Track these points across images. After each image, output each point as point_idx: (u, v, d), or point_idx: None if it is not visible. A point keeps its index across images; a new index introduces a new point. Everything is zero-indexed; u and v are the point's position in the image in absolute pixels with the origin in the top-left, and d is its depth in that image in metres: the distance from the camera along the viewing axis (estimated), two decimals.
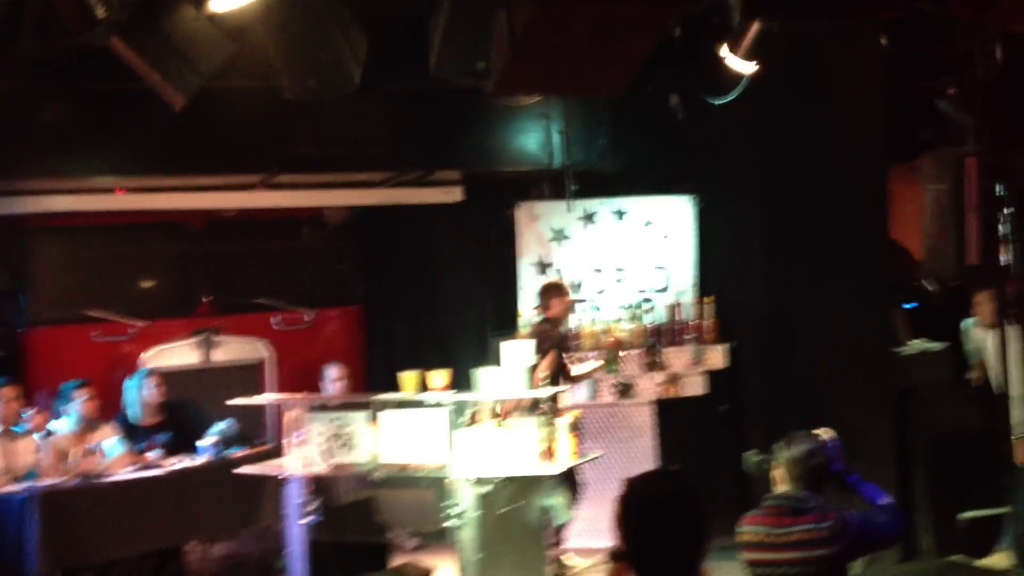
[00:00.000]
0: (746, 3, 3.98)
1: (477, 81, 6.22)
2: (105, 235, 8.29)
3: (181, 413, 7.50)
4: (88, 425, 6.97)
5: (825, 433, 4.01)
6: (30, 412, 6.67)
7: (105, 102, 7.24)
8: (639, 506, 2.83)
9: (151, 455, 6.99)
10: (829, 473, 3.95)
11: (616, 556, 2.98)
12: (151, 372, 7.38)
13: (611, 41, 4.05)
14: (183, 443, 7.20)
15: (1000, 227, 5.32)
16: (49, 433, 6.79)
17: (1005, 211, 5.33)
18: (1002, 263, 5.37)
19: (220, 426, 7.10)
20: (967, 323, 6.76)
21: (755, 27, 6.27)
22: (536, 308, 7.51)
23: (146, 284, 8.67)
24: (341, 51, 6.17)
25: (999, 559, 6.38)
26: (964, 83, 6.04)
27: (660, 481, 2.95)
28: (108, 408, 7.34)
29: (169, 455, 7.03)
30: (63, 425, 6.93)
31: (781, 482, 3.93)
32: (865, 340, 6.89)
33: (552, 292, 7.38)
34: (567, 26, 3.91)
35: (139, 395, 7.26)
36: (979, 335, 6.58)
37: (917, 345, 7.17)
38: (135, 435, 7.19)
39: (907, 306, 8.00)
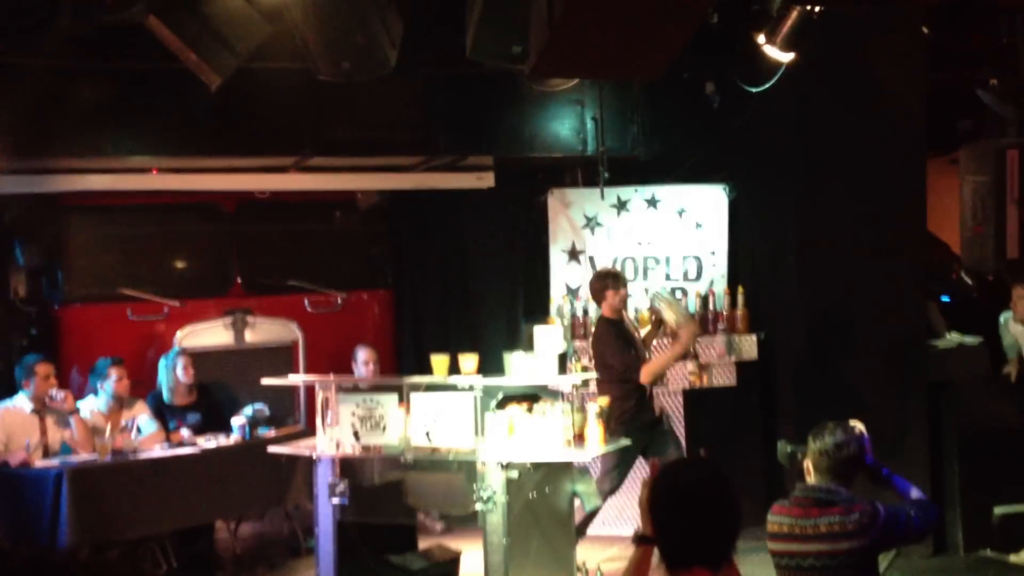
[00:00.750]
0: None
1: (513, 65, 6.21)
2: (140, 215, 8.36)
3: (212, 394, 7.57)
4: (121, 403, 7.05)
5: (857, 426, 3.97)
6: (61, 393, 6.72)
7: (141, 82, 7.27)
8: (670, 493, 2.83)
9: (183, 434, 7.05)
10: (861, 466, 3.92)
11: (641, 539, 2.98)
12: (183, 352, 7.44)
13: (651, 23, 4.00)
14: (214, 423, 7.26)
15: None
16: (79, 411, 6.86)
17: None
18: None
19: (249, 409, 7.15)
20: (1005, 317, 6.68)
21: (794, 15, 6.20)
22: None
23: (180, 264, 8.73)
24: (376, 33, 6.17)
25: None
26: (1006, 74, 5.94)
27: (692, 469, 2.95)
28: (142, 387, 7.41)
29: (200, 435, 7.09)
30: (96, 403, 7.01)
31: (811, 473, 3.90)
32: (900, 333, 6.82)
33: (607, 283, 6.98)
34: (607, 7, 3.88)
35: (171, 375, 7.32)
36: (1017, 329, 6.50)
37: (953, 339, 7.09)
38: (167, 414, 7.27)
39: (943, 299, 7.91)
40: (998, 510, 6.67)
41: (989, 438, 6.68)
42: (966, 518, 6.64)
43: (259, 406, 7.29)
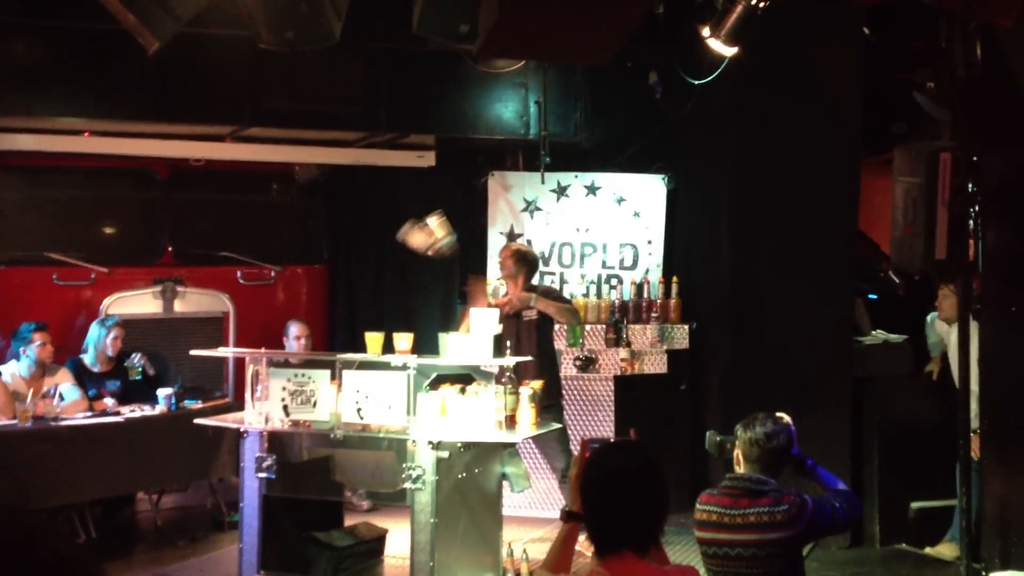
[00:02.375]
0: None
1: (459, 44, 6.18)
2: (69, 177, 8.18)
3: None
4: (44, 369, 6.90)
5: (784, 417, 4.04)
6: None
7: (76, 42, 7.11)
8: (601, 476, 2.85)
9: (107, 402, 6.93)
10: (788, 457, 3.98)
11: (569, 516, 3.01)
12: (120, 323, 7.29)
13: (602, 6, 4.01)
14: (140, 393, 7.14)
15: (970, 223, 5.37)
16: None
17: (975, 208, 5.37)
18: (969, 259, 5.42)
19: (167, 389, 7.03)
20: (932, 316, 6.83)
21: (739, 9, 6.25)
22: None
23: (109, 230, 8.57)
24: (321, 3, 6.08)
25: (944, 550, 6.50)
26: (943, 78, 6.06)
27: (623, 453, 2.96)
28: (66, 352, 7.27)
29: (122, 403, 6.98)
30: (19, 367, 6.85)
31: (740, 463, 3.96)
32: (827, 328, 6.95)
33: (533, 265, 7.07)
34: None
35: (98, 341, 7.18)
36: (942, 328, 6.65)
37: (878, 336, 7.24)
38: (87, 379, 7.13)
39: (870, 296, 8.07)
40: (915, 505, 6.85)
41: (909, 434, 6.84)
42: (883, 512, 6.80)
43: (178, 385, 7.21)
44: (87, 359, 7.21)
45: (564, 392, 7.30)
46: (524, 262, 6.87)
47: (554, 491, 7.16)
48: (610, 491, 2.81)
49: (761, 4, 6.01)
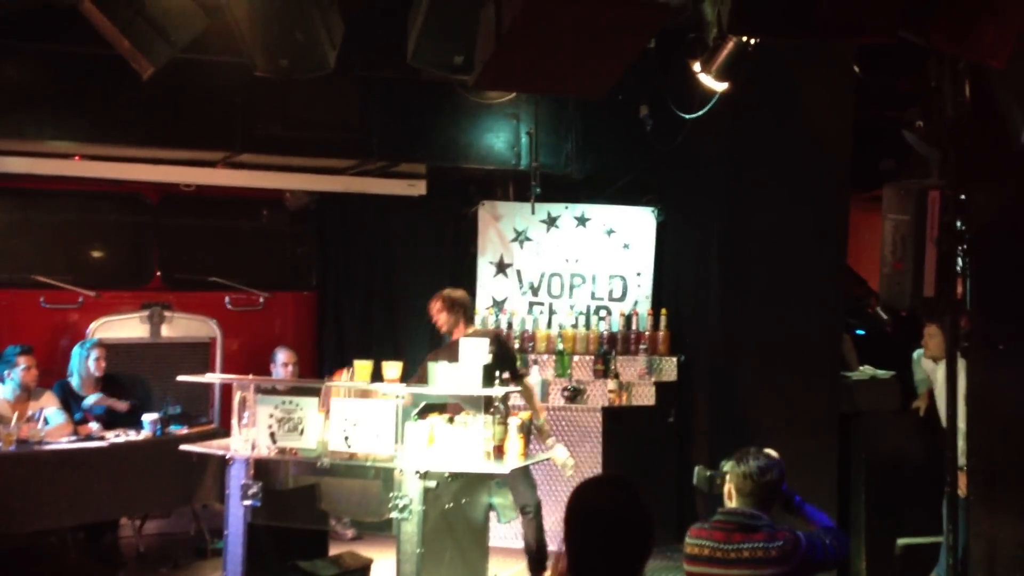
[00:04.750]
0: (730, 17, 3.98)
1: (453, 75, 6.20)
2: (59, 200, 8.17)
3: (122, 387, 7.39)
4: (28, 392, 6.86)
5: (773, 453, 4.04)
6: None
7: (69, 66, 7.11)
8: (586, 513, 2.80)
9: (92, 427, 6.88)
10: (778, 492, 3.98)
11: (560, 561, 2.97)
12: (99, 344, 7.26)
13: (598, 41, 4.04)
14: (124, 417, 7.10)
15: (958, 261, 5.39)
16: None
17: (963, 246, 5.40)
18: (957, 297, 5.45)
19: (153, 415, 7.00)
20: (918, 353, 6.86)
21: (730, 45, 6.31)
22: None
23: (98, 254, 8.55)
24: (317, 32, 6.10)
25: None
26: (932, 116, 6.11)
27: (610, 489, 2.89)
28: (51, 376, 7.23)
29: (107, 428, 6.93)
30: (3, 391, 6.80)
31: (732, 498, 3.95)
32: (815, 363, 6.95)
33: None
34: (555, 23, 3.90)
35: (83, 364, 7.14)
36: (928, 366, 6.67)
37: (866, 371, 7.26)
38: (72, 402, 7.08)
39: (858, 332, 8.10)
40: (901, 541, 6.84)
41: (895, 470, 6.84)
42: (870, 548, 6.78)
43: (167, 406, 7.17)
44: (74, 382, 7.17)
45: (553, 423, 7.27)
46: (457, 306, 6.66)
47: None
48: (592, 527, 2.76)
49: (752, 41, 6.07)
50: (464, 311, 6.70)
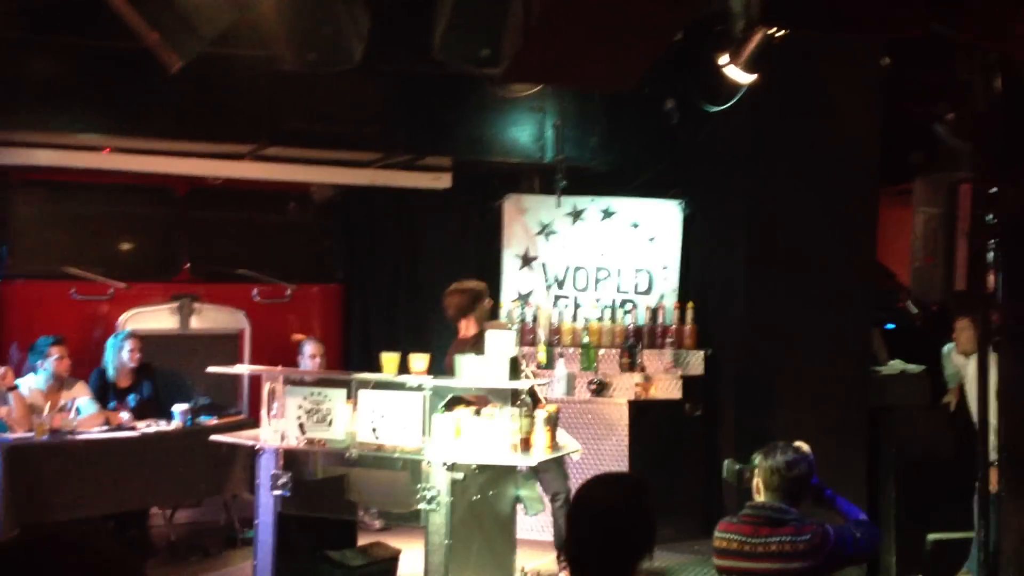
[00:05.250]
0: (761, 9, 3.96)
1: (479, 68, 6.22)
2: (89, 193, 8.22)
3: (155, 378, 7.46)
4: (61, 382, 6.93)
5: (803, 446, 4.03)
6: (0, 369, 6.61)
7: (98, 59, 7.15)
8: (581, 511, 2.87)
9: (123, 417, 6.95)
10: (808, 486, 3.97)
11: None
12: (132, 335, 7.34)
13: (627, 34, 4.03)
14: (156, 408, 7.17)
15: (989, 254, 5.35)
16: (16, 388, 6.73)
17: (995, 239, 5.36)
18: (988, 291, 5.40)
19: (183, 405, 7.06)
20: (948, 347, 6.82)
21: (757, 38, 6.28)
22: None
23: (128, 246, 8.61)
24: (344, 26, 6.14)
25: None
26: (962, 109, 6.07)
27: (607, 488, 2.92)
28: (83, 367, 7.29)
29: (139, 418, 7.00)
30: (36, 381, 6.87)
31: (760, 492, 3.94)
32: (843, 357, 6.94)
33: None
34: (584, 15, 3.89)
35: (117, 356, 7.22)
36: (959, 360, 6.63)
37: (895, 366, 7.22)
38: (109, 394, 7.16)
39: (888, 327, 8.05)
40: (931, 537, 6.80)
41: (926, 465, 6.81)
42: (900, 543, 6.76)
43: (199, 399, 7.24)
44: (109, 374, 7.26)
45: (578, 416, 7.28)
46: (467, 294, 6.68)
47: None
48: (587, 523, 2.81)
49: (780, 33, 6.04)
50: (471, 299, 6.66)
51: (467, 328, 6.66)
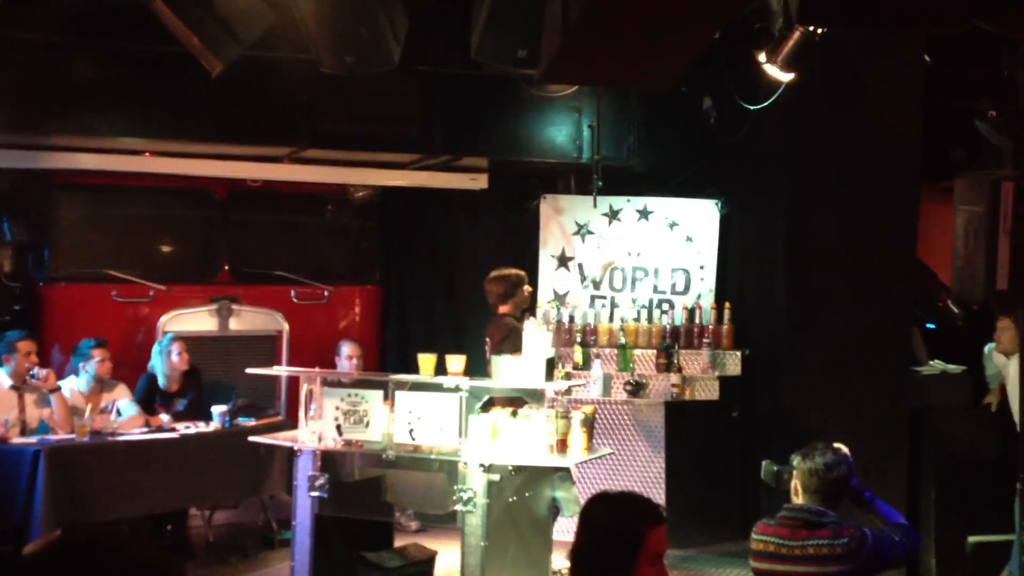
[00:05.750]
0: (799, 7, 3.91)
1: (516, 68, 6.22)
2: (130, 196, 8.32)
3: (200, 379, 7.55)
4: (102, 384, 7.01)
5: (842, 448, 3.99)
6: (42, 371, 6.70)
7: (140, 64, 7.24)
8: (582, 523, 3.04)
9: (163, 418, 7.03)
10: (846, 489, 3.93)
11: None
12: (177, 338, 7.41)
13: (665, 34, 4.01)
14: (200, 411, 7.25)
15: None
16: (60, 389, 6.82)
17: None
18: None
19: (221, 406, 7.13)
20: (989, 347, 6.73)
21: (796, 35, 6.22)
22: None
23: (168, 248, 8.70)
24: (382, 28, 6.17)
25: None
26: (1005, 106, 5.98)
27: (604, 507, 3.07)
28: (124, 369, 7.37)
29: (187, 419, 7.08)
30: (78, 383, 6.96)
31: (799, 494, 3.91)
32: (884, 357, 6.86)
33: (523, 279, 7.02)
34: (622, 15, 3.87)
35: (165, 360, 7.29)
36: (1000, 360, 6.54)
37: (936, 366, 7.13)
38: (155, 398, 7.25)
39: (928, 326, 7.96)
40: (972, 539, 6.71)
41: (967, 467, 6.72)
42: (940, 546, 6.67)
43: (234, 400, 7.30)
44: (159, 381, 7.34)
45: (615, 417, 7.25)
46: (507, 280, 6.89)
47: None
48: (584, 535, 2.99)
49: (819, 31, 5.98)
50: (508, 287, 6.86)
51: (507, 308, 6.77)
